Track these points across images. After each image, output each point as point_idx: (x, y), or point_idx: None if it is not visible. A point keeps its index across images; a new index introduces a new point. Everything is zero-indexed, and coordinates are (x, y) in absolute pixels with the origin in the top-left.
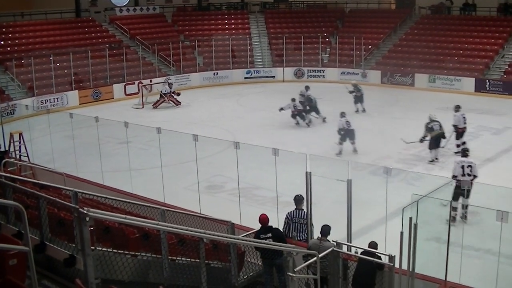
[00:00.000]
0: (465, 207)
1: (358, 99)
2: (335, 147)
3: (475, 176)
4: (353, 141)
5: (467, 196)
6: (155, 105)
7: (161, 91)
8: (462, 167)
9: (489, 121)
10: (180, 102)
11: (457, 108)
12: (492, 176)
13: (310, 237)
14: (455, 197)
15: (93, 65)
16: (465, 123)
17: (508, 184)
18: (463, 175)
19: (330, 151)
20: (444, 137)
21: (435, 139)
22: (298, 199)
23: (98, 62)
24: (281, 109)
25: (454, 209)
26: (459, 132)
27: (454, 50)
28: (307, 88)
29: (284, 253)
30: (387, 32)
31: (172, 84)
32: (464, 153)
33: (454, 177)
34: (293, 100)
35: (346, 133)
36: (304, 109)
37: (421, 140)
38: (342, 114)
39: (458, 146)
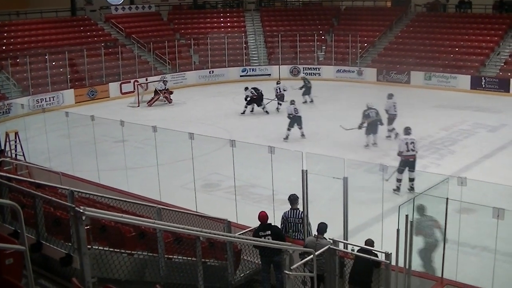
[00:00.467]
0: (411, 179)
1: (307, 91)
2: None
3: (416, 152)
4: (300, 126)
5: (413, 170)
6: (150, 102)
7: (155, 88)
8: (407, 144)
9: (485, 119)
10: (172, 100)
11: (390, 96)
12: (488, 173)
13: (307, 235)
14: (400, 170)
15: (89, 64)
16: (395, 110)
17: (504, 181)
18: (408, 150)
19: (326, 150)
20: (381, 124)
21: (371, 125)
22: (292, 199)
23: (93, 61)
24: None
25: (399, 180)
26: (390, 118)
27: (449, 47)
28: (278, 82)
29: (283, 250)
30: (382, 29)
31: (167, 81)
32: (407, 131)
33: (400, 153)
34: (247, 89)
35: (294, 119)
36: (260, 97)
37: (359, 127)
38: (292, 102)
39: (389, 131)
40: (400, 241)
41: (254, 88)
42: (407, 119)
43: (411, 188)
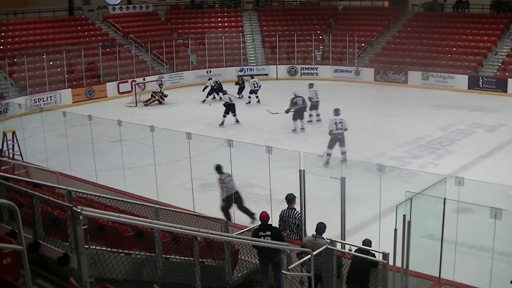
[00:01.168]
0: (343, 153)
1: (240, 90)
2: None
3: (346, 129)
4: (234, 113)
5: (343, 145)
6: (146, 102)
7: (152, 90)
8: (335, 123)
9: (483, 118)
10: (163, 102)
11: (311, 85)
12: (485, 173)
13: (304, 235)
14: (330, 146)
15: (86, 64)
16: (317, 97)
17: (501, 181)
18: (337, 129)
19: (324, 149)
20: (305, 110)
21: (298, 112)
22: (290, 198)
23: (91, 61)
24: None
25: (329, 155)
26: (312, 104)
27: (447, 47)
28: (251, 77)
29: (281, 251)
30: (380, 29)
31: (162, 85)
32: (336, 112)
33: (330, 131)
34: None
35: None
36: (220, 88)
37: (286, 111)
38: (224, 92)
39: (310, 116)
40: (397, 241)
41: (216, 81)
42: (405, 119)
43: (344, 160)
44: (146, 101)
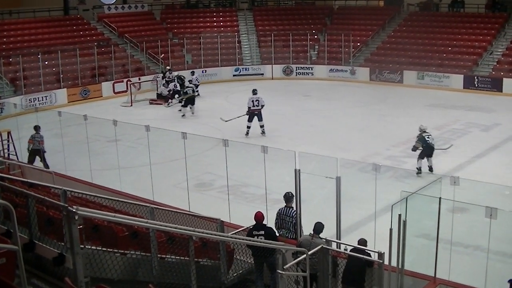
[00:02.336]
0: (261, 126)
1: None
2: (328, 144)
3: (262, 106)
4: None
5: (260, 120)
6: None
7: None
8: (252, 101)
9: (478, 118)
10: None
11: (254, 91)
12: (481, 172)
13: (300, 234)
14: (249, 120)
15: (82, 63)
16: (256, 105)
17: (496, 180)
18: (253, 106)
19: (319, 149)
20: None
21: (188, 100)
22: (287, 197)
23: (86, 60)
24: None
25: (248, 127)
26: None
27: (442, 47)
28: (192, 73)
29: (276, 251)
30: (375, 29)
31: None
32: (254, 92)
33: (249, 108)
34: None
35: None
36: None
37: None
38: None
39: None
40: (393, 240)
41: (179, 78)
42: (400, 119)
43: (263, 132)
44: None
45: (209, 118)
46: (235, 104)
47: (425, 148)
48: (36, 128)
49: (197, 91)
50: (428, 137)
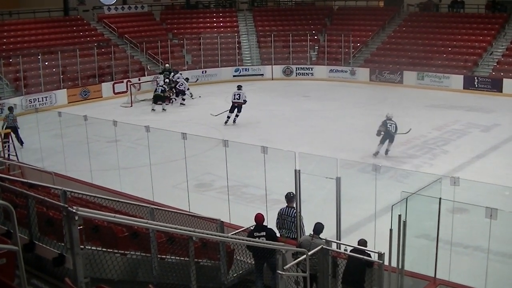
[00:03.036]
0: (236, 115)
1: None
2: (327, 145)
3: (244, 101)
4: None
5: (239, 112)
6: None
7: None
8: (234, 95)
9: (478, 118)
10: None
11: (239, 87)
12: (481, 173)
13: (300, 235)
14: (231, 111)
15: (82, 64)
16: (238, 98)
17: (496, 181)
18: (235, 99)
19: (319, 149)
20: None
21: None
22: (289, 197)
23: (86, 61)
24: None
25: (228, 117)
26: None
27: (442, 47)
28: (175, 72)
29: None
30: (375, 29)
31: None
32: (239, 88)
33: (232, 100)
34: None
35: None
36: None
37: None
38: (239, 87)
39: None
40: (393, 241)
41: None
42: (400, 119)
43: (234, 122)
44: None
45: (208, 118)
46: None
47: (385, 134)
48: (10, 108)
49: (174, 91)
50: (390, 125)
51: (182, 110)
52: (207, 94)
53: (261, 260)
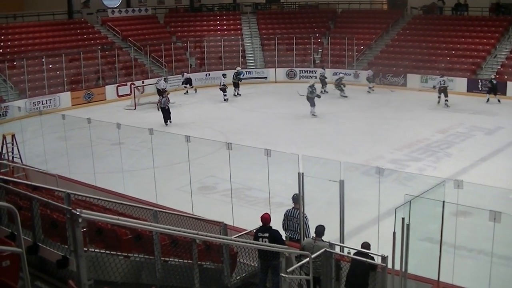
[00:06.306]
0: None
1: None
2: (331, 148)
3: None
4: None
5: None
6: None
7: (161, 88)
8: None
9: (482, 121)
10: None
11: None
12: (484, 176)
13: (304, 237)
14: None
15: (86, 67)
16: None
17: (500, 184)
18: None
19: (323, 152)
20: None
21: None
22: (296, 198)
23: (90, 64)
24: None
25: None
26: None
27: (446, 50)
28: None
29: (280, 254)
30: (379, 32)
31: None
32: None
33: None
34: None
35: None
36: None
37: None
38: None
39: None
40: (396, 244)
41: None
42: (403, 122)
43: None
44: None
45: (212, 121)
46: (238, 108)
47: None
48: None
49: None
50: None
51: (185, 112)
52: (211, 97)
53: (265, 262)
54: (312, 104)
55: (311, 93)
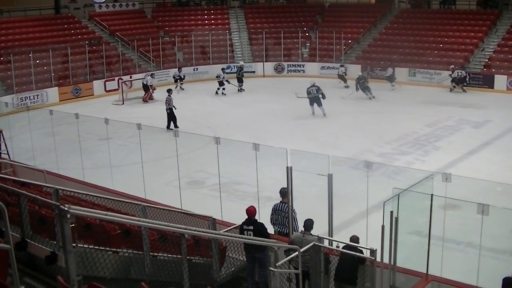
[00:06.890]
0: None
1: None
2: (319, 142)
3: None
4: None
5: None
6: (145, 98)
7: (146, 83)
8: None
9: (470, 115)
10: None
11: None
12: (473, 169)
13: (292, 231)
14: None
15: (73, 62)
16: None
17: (488, 177)
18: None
19: (311, 146)
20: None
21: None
22: (283, 192)
23: (78, 59)
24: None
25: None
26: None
27: (434, 44)
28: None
29: (267, 248)
30: (367, 26)
31: (154, 74)
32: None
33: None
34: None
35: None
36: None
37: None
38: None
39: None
40: (385, 237)
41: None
42: (392, 116)
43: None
44: (144, 96)
45: (200, 116)
46: (227, 102)
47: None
48: None
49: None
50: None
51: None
52: (198, 92)
53: (250, 254)
54: (319, 104)
55: (317, 92)
